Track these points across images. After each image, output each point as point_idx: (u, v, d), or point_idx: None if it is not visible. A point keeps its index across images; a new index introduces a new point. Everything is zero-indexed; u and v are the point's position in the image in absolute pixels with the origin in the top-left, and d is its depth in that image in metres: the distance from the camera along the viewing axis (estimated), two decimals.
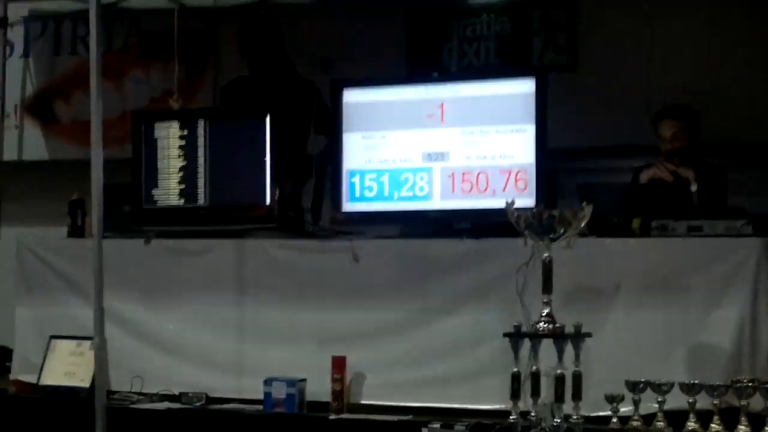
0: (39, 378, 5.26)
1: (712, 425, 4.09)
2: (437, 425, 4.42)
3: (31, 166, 7.16)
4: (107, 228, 4.69)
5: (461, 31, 6.61)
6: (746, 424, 4.04)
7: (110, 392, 4.74)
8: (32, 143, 7.28)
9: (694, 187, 5.13)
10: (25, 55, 7.10)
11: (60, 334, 5.31)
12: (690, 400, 4.09)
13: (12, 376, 5.47)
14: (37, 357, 5.34)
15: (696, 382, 4.18)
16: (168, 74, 6.46)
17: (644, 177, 5.21)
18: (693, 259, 4.56)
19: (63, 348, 5.30)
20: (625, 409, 4.16)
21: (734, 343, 4.42)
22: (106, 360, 4.61)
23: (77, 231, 5.44)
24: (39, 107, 7.17)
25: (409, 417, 4.62)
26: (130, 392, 5.12)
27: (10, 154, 6.97)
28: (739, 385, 4.11)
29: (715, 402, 4.06)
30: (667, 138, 5.16)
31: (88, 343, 4.71)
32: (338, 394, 4.79)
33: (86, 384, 4.91)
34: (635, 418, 4.16)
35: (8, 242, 6.32)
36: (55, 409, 5.13)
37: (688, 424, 4.13)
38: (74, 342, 5.20)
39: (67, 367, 5.23)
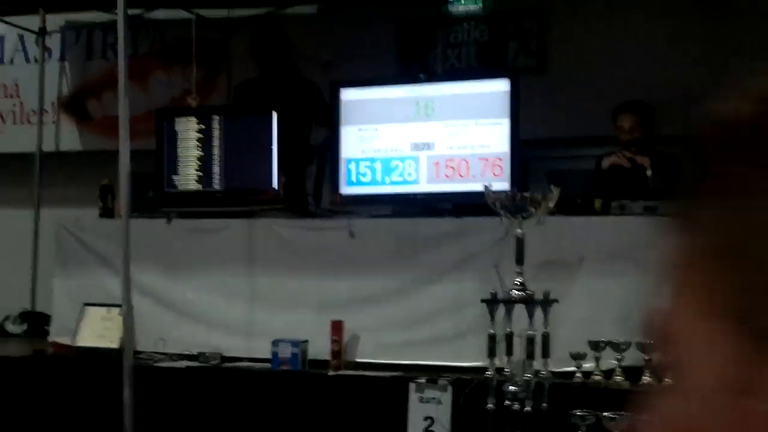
0: (74, 340, 5.30)
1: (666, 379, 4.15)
2: (423, 380, 4.43)
3: (67, 156, 7.06)
4: (134, 210, 4.77)
5: (445, 38, 6.41)
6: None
7: (136, 353, 4.81)
8: (68, 136, 7.14)
9: (649, 173, 5.05)
10: (62, 59, 7.00)
11: (92, 302, 5.32)
12: (646, 357, 4.09)
13: (50, 339, 5.53)
14: (71, 322, 5.35)
15: (651, 342, 4.22)
16: (187, 76, 6.53)
17: (605, 163, 5.19)
18: (647, 235, 4.57)
19: (95, 314, 5.29)
20: (587, 365, 4.22)
21: None
22: (132, 324, 4.70)
23: (107, 212, 5.41)
24: (74, 105, 7.08)
25: (399, 373, 4.63)
26: (153, 352, 5.10)
27: (48, 146, 6.84)
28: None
29: None
30: (626, 129, 5.15)
31: (117, 309, 4.81)
32: (336, 354, 4.76)
33: (115, 345, 4.94)
34: (596, 373, 4.20)
35: (47, 223, 6.31)
36: (88, 367, 5.16)
37: (643, 378, 4.16)
38: (105, 309, 5.18)
39: (98, 330, 5.22)
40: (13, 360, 5.48)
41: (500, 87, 4.82)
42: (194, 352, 5.09)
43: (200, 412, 4.90)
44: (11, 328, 6.04)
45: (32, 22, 6.93)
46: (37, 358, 5.47)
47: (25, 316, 6.04)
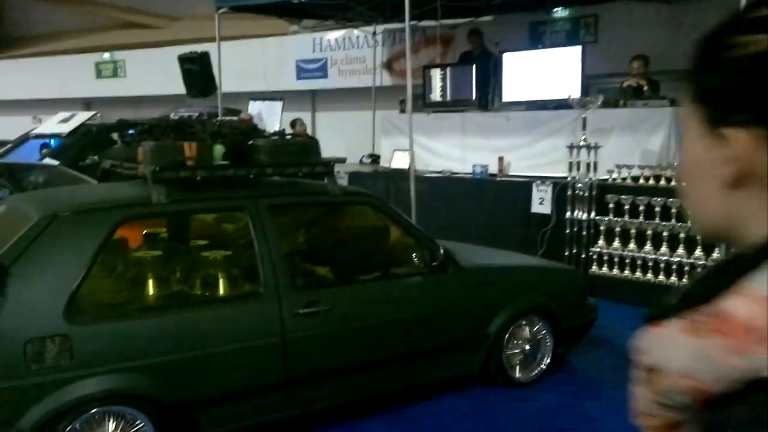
0: (390, 165, 7.98)
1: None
2: (538, 182, 6.78)
3: (383, 88, 9.98)
4: (413, 109, 6.80)
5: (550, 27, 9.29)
6: None
7: (416, 171, 6.80)
8: (386, 78, 10.31)
9: (645, 88, 7.09)
10: (383, 45, 10.04)
11: (398, 149, 8.10)
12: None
13: (381, 165, 8.22)
14: (388, 158, 8.14)
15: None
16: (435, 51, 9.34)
17: (624, 84, 7.22)
18: (647, 117, 6.70)
19: (398, 155, 7.98)
20: (615, 175, 6.44)
21: (661, 145, 6.58)
22: (413, 158, 6.75)
23: (403, 110, 8.20)
24: (388, 64, 10.27)
25: (527, 179, 6.89)
26: (423, 170, 7.41)
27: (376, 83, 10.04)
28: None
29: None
30: (635, 67, 7.22)
31: (407, 152, 6.71)
32: (500, 171, 7.28)
33: (406, 167, 6.74)
34: (620, 179, 6.40)
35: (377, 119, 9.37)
36: (395, 177, 7.54)
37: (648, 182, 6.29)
38: (402, 152, 7.65)
39: (398, 161, 7.89)
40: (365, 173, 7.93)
41: (577, 50, 7.28)
42: (439, 170, 7.78)
43: (442, 199, 7.33)
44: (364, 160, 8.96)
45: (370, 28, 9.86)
46: (377, 173, 8.09)
47: (370, 156, 9.06)
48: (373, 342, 3.61)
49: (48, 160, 8.21)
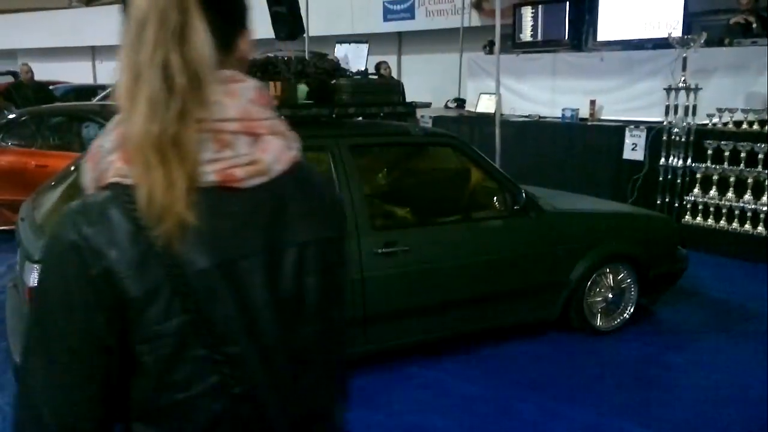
0: (476, 109, 7.88)
1: None
2: (632, 126, 6.61)
3: (472, 29, 9.80)
4: (501, 50, 6.56)
5: None
6: None
7: (501, 115, 6.60)
8: (474, 18, 10.11)
9: (754, 25, 6.67)
10: None
11: (485, 92, 8.00)
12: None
13: (465, 109, 8.02)
14: (474, 102, 8.17)
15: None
16: None
17: (732, 21, 6.79)
18: (754, 56, 6.32)
19: (483, 98, 7.89)
20: (715, 120, 6.14)
21: None
22: (500, 101, 6.47)
23: (491, 50, 8.10)
24: (477, 4, 10.17)
25: (621, 123, 6.84)
26: (509, 114, 7.52)
27: (464, 24, 10.03)
28: None
29: None
30: (743, 3, 6.77)
31: (494, 95, 6.55)
32: (591, 115, 7.12)
33: (492, 111, 6.52)
34: (719, 125, 6.05)
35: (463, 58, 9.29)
36: (482, 121, 7.54)
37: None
38: (488, 95, 7.59)
39: (485, 104, 7.82)
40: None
41: None
42: (526, 114, 7.70)
43: (529, 144, 7.19)
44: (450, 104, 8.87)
45: None
46: (461, 118, 8.03)
47: (456, 100, 9.03)
48: (450, 283, 3.63)
49: None
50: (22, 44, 18.79)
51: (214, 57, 0.82)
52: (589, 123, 7.13)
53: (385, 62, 9.23)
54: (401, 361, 3.69)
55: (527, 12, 7.94)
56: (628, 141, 6.71)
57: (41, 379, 0.84)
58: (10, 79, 9.15)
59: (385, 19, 12.81)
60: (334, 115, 3.58)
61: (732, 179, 6.02)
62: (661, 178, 6.45)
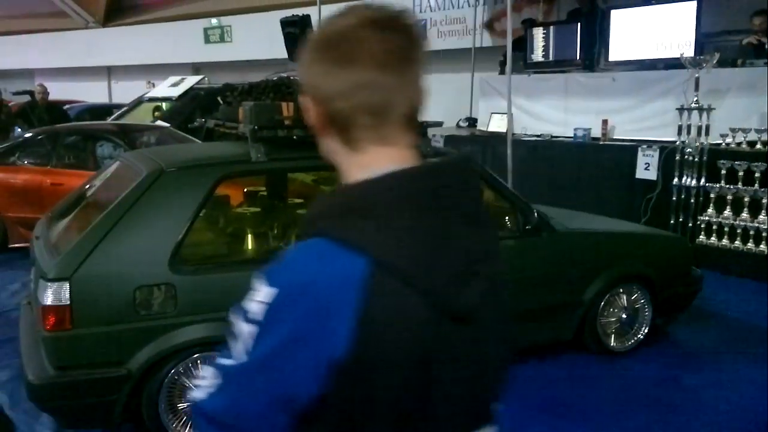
0: (487, 128, 7.84)
1: None
2: (645, 146, 6.55)
3: (484, 49, 9.85)
4: (513, 70, 6.55)
5: None
6: None
7: (513, 134, 6.64)
8: (486, 39, 10.20)
9: (767, 46, 6.60)
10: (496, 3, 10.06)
11: (496, 111, 7.89)
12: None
13: (478, 128, 8.11)
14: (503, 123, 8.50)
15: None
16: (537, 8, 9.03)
17: (745, 41, 6.76)
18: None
19: (495, 118, 7.80)
20: (728, 140, 6.10)
21: None
22: (511, 120, 6.49)
23: (503, 69, 8.10)
24: (488, 24, 10.22)
25: (633, 143, 6.73)
26: (521, 134, 7.44)
27: (476, 44, 10.04)
28: None
29: None
30: (756, 24, 6.77)
31: (505, 115, 6.59)
32: (604, 134, 7.03)
33: (504, 131, 6.48)
34: (732, 144, 6.00)
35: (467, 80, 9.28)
36: (494, 140, 7.52)
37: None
38: (500, 115, 7.55)
39: (497, 123, 7.84)
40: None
41: (692, 6, 6.82)
42: (538, 133, 7.66)
43: (541, 163, 7.24)
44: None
45: None
46: (473, 137, 8.02)
47: (467, 119, 9.02)
48: None
49: (159, 123, 8.64)
50: (39, 64, 19.08)
51: None
52: (602, 143, 7.11)
53: None
54: None
55: (539, 33, 7.95)
56: (640, 160, 6.67)
57: None
58: (27, 98, 9.31)
59: None
60: None
61: (746, 199, 5.97)
62: (674, 198, 6.41)
